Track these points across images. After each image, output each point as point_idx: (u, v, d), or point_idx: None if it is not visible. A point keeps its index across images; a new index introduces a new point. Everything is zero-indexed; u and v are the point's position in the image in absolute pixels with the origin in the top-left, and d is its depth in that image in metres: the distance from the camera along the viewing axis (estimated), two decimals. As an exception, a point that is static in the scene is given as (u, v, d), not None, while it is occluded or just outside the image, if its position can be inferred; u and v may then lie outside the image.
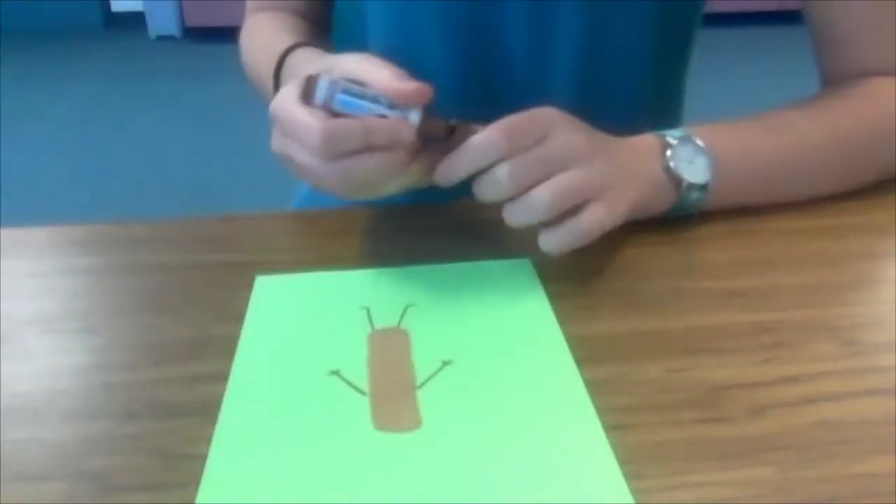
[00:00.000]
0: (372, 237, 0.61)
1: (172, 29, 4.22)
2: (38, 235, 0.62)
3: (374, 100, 0.51)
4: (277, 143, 0.54)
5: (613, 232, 0.60)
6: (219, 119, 3.10)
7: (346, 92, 0.51)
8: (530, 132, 0.51)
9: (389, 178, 0.52)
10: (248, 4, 0.84)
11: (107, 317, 0.51)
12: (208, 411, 0.43)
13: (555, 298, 0.51)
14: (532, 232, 0.60)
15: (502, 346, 0.47)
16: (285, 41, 0.70)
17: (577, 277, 0.54)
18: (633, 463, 0.39)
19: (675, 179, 0.58)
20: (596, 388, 0.44)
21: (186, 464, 0.39)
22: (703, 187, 0.58)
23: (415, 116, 0.51)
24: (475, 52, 0.69)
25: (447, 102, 0.60)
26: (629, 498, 0.37)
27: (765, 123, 0.63)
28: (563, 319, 0.49)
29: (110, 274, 0.56)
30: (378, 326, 0.49)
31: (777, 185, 0.63)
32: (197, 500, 0.37)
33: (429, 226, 0.61)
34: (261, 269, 0.55)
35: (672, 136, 0.59)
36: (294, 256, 0.57)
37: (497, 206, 0.52)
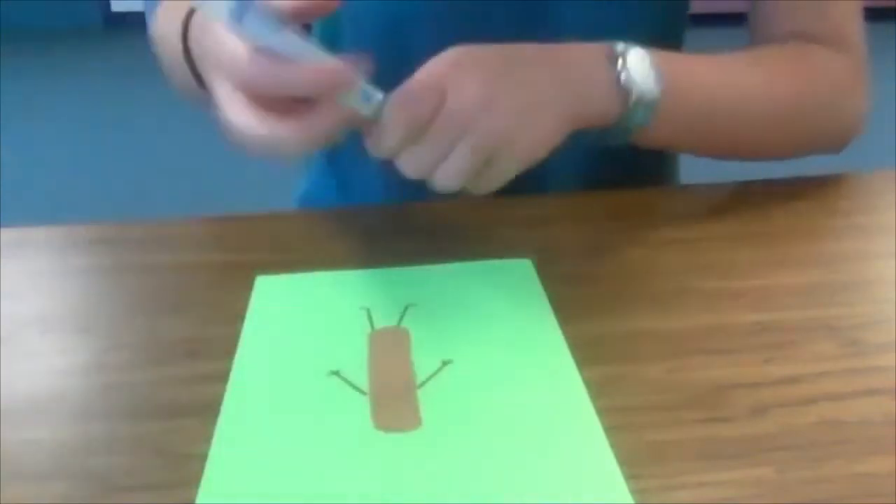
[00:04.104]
0: (372, 237, 0.61)
1: (172, 29, 4.22)
2: (38, 235, 0.62)
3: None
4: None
5: (614, 231, 0.60)
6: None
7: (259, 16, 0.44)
8: (428, 101, 0.49)
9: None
10: None
11: (107, 317, 0.51)
12: (208, 411, 0.43)
13: (555, 298, 0.51)
14: (532, 232, 0.60)
15: (502, 346, 0.47)
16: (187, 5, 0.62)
17: (577, 277, 0.54)
18: (633, 463, 0.39)
19: (625, 91, 0.55)
20: (596, 388, 0.44)
21: (186, 464, 0.39)
22: (651, 106, 0.56)
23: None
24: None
25: None
26: (629, 498, 0.37)
27: (713, 64, 0.62)
28: (563, 319, 0.49)
29: (110, 274, 0.56)
30: (378, 326, 0.49)
31: (719, 130, 0.62)
32: (197, 500, 0.37)
33: (429, 226, 0.61)
34: (261, 269, 0.55)
35: (623, 46, 0.56)
36: (294, 256, 0.57)
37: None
